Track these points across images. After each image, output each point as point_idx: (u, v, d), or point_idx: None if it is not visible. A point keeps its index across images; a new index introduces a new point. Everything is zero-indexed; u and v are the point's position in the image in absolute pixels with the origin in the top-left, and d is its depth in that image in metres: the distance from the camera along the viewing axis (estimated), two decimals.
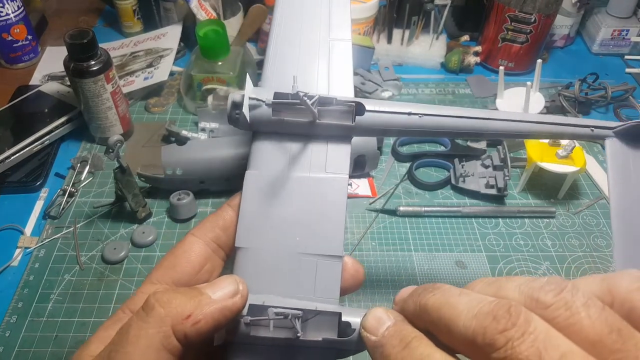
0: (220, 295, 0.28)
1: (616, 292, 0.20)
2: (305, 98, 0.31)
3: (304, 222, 0.33)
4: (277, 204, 0.34)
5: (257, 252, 0.32)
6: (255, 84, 0.36)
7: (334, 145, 0.35)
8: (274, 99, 0.34)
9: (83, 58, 0.72)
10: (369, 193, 0.76)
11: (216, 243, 0.33)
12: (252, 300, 0.29)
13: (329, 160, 0.35)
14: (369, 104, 0.36)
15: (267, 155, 0.35)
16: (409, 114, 0.36)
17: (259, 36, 0.98)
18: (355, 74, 0.84)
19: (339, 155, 0.35)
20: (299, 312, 0.28)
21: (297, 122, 0.35)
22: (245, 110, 0.33)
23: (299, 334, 0.27)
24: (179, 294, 0.27)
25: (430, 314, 0.23)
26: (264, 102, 0.34)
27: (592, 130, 0.39)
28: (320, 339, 0.28)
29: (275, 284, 0.31)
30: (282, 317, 0.28)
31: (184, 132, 0.80)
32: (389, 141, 0.83)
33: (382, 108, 0.36)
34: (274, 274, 0.31)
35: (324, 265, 0.32)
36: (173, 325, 0.26)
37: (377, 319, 0.25)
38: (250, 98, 0.34)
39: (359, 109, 0.35)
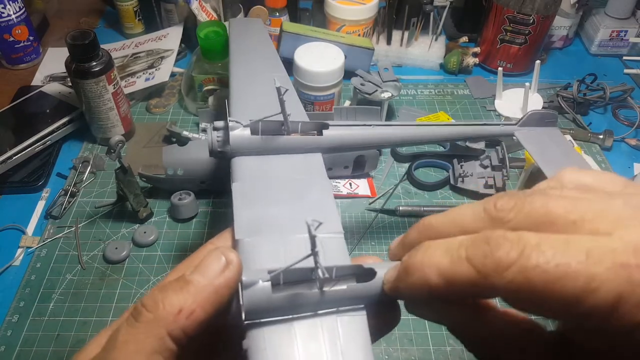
0: (210, 275, 0.26)
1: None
2: None
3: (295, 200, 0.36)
4: (267, 190, 0.37)
5: (257, 239, 0.32)
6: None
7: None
8: None
9: (84, 59, 0.73)
10: (368, 193, 0.76)
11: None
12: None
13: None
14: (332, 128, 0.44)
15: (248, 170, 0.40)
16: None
17: None
18: (355, 75, 0.85)
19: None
20: (318, 261, 0.26)
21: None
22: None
23: (325, 275, 0.26)
24: (165, 291, 0.26)
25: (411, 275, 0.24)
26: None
27: (501, 126, 0.56)
28: (345, 287, 0.27)
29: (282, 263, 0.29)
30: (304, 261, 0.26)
31: (185, 133, 0.80)
32: None
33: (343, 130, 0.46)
34: (279, 256, 0.31)
35: (328, 241, 0.32)
36: (166, 326, 0.25)
37: (395, 266, 0.26)
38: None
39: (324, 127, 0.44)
